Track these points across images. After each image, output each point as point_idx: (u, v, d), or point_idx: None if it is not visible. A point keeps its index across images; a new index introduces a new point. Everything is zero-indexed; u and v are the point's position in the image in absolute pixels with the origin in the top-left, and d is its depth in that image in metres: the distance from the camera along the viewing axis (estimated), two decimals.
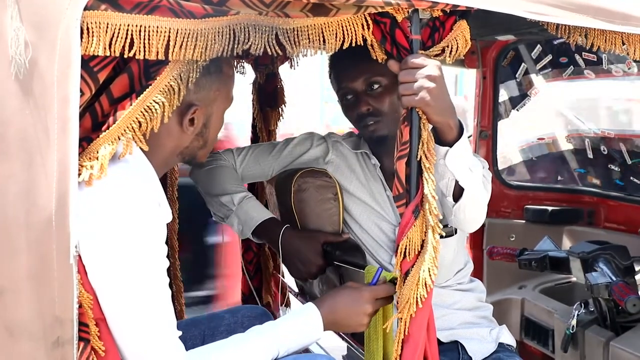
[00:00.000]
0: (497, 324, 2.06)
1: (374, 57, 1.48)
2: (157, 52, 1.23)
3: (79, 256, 1.21)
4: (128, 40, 1.20)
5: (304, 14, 1.33)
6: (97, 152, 1.24)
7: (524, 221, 3.19)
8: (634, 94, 2.95)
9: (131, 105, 1.27)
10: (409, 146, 1.43)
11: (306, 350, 1.64)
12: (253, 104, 2.57)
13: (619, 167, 2.97)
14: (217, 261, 3.69)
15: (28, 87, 1.16)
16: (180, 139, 1.45)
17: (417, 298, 1.41)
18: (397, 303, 1.48)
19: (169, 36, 1.23)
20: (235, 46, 1.28)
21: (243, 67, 2.43)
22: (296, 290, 2.46)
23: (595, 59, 2.92)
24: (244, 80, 2.51)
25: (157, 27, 1.22)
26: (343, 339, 2.09)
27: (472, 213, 1.74)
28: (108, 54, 1.21)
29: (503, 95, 3.25)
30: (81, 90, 1.20)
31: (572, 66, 3.05)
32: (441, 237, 1.46)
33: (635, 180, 2.90)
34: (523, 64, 3.19)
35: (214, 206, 2.10)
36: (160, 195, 1.36)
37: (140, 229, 1.26)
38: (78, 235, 1.19)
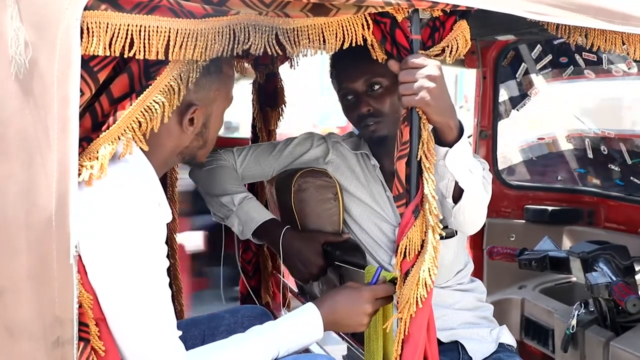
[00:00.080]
0: (498, 324, 2.06)
1: (374, 57, 1.48)
2: (157, 52, 1.23)
3: (79, 256, 1.21)
4: (128, 40, 1.20)
5: (304, 14, 1.33)
6: (97, 152, 1.24)
7: (524, 221, 3.19)
8: (634, 94, 2.95)
9: (131, 105, 1.27)
10: (409, 146, 1.43)
11: (306, 350, 1.64)
12: (253, 104, 2.57)
13: (619, 167, 2.96)
14: None
15: (28, 87, 1.16)
16: (180, 138, 1.45)
17: (417, 298, 1.41)
18: (397, 303, 1.48)
19: (169, 36, 1.23)
20: (235, 46, 1.28)
21: (243, 67, 2.43)
22: (296, 290, 2.46)
23: (596, 59, 2.92)
24: (244, 80, 2.50)
25: (157, 27, 1.22)
26: (343, 339, 2.08)
27: (472, 215, 1.74)
28: (108, 54, 1.21)
29: (503, 95, 3.25)
30: (81, 90, 1.20)
31: (572, 66, 3.05)
32: (441, 238, 1.46)
33: (636, 180, 2.89)
34: (523, 63, 3.19)
35: (214, 206, 2.10)
36: (160, 195, 1.36)
37: (140, 229, 1.26)
38: (78, 235, 1.19)
